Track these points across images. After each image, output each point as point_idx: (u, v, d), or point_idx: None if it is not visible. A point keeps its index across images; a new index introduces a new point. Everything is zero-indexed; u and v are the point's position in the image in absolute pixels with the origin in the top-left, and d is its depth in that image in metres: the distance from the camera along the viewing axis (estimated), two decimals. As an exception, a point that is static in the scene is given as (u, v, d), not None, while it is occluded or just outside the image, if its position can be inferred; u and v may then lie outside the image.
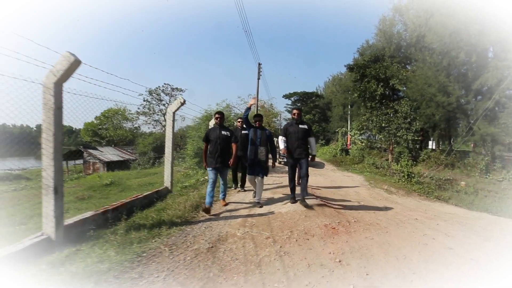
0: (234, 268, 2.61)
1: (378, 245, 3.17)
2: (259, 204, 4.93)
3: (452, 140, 19.36)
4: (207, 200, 4.50)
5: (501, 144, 13.97)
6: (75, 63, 3.02)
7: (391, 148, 21.78)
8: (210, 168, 4.65)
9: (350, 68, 25.45)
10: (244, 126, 5.87)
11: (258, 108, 24.03)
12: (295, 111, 4.94)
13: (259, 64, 19.10)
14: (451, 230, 4.02)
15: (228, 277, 2.44)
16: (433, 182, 13.51)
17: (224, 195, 5.08)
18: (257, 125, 4.97)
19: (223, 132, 4.72)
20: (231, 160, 4.80)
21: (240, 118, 6.25)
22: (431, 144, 27.36)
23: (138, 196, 5.02)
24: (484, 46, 14.37)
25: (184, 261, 2.72)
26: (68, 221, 3.34)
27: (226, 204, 5.01)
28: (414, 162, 20.14)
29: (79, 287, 2.11)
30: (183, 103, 5.99)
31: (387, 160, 21.43)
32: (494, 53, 14.78)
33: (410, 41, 21.84)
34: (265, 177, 5.04)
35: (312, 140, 4.93)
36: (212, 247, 3.08)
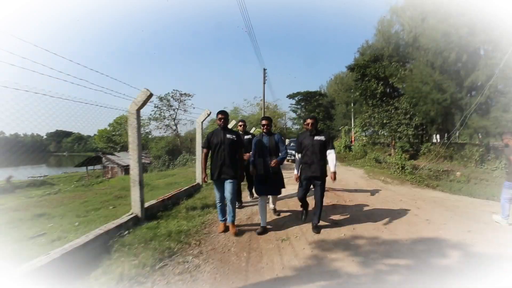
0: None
1: (364, 214, 4.49)
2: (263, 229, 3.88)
3: (447, 134, 20.36)
4: (220, 217, 3.93)
5: (492, 136, 15.04)
6: (149, 96, 4.40)
7: (393, 143, 22.87)
8: (214, 182, 3.80)
9: (351, 68, 26.58)
10: (252, 132, 5.36)
11: (264, 110, 25.30)
12: (308, 120, 3.92)
13: (264, 69, 20.40)
14: (423, 206, 5.32)
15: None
16: (431, 173, 14.66)
17: (233, 217, 3.82)
18: (264, 130, 4.03)
19: (228, 136, 3.74)
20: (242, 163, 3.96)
21: (242, 121, 5.53)
22: (435, 138, 28.33)
23: (180, 190, 6.40)
24: (474, 46, 15.44)
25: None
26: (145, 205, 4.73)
27: (237, 233, 3.77)
28: (416, 156, 21.30)
29: (176, 239, 3.47)
30: (209, 114, 7.36)
31: (389, 155, 22.55)
32: (484, 52, 15.84)
33: (408, 41, 22.91)
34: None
35: (331, 153, 3.86)
36: (248, 217, 4.45)
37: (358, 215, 4.56)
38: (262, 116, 25.41)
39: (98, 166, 32.40)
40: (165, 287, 2.46)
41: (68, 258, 2.84)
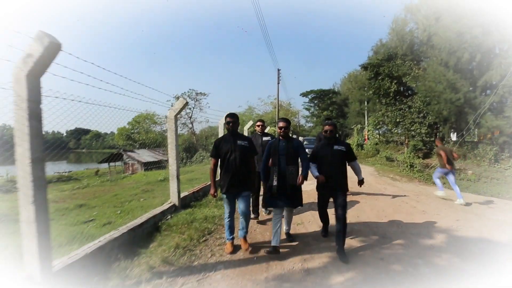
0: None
1: (368, 205, 5.19)
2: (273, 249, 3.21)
3: (457, 133, 20.38)
4: (227, 234, 3.37)
5: (506, 136, 15.13)
6: (185, 104, 5.25)
7: (406, 142, 23.05)
8: (224, 196, 3.32)
9: (365, 67, 26.80)
10: (266, 131, 4.91)
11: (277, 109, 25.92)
12: (327, 127, 3.50)
13: (278, 70, 21.04)
14: (424, 200, 5.93)
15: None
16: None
17: (246, 231, 3.49)
18: (281, 134, 3.37)
19: (239, 142, 3.25)
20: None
21: (260, 120, 4.94)
22: (453, 137, 28.15)
23: (207, 184, 7.27)
24: (488, 46, 15.52)
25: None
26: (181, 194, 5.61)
27: (248, 248, 3.40)
28: (429, 154, 21.42)
29: (211, 222, 4.30)
30: (185, 104, 8.15)
31: (403, 153, 22.76)
32: (499, 52, 15.89)
33: (422, 39, 22.95)
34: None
35: (356, 165, 3.58)
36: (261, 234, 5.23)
37: (363, 206, 5.25)
38: (277, 115, 26.11)
39: (119, 163, 34.14)
40: (209, 253, 3.28)
41: (131, 233, 3.70)
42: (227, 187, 3.27)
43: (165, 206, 5.12)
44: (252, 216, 4.43)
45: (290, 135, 3.71)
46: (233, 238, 3.40)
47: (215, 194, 3.41)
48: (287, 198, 3.29)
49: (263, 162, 3.47)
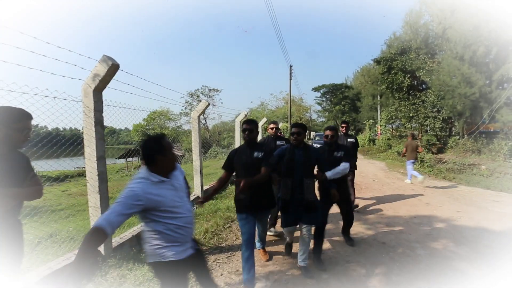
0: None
1: (375, 198, 5.60)
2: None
3: (470, 128, 20.10)
4: (245, 276, 2.62)
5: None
6: (208, 105, 5.78)
7: (420, 137, 22.93)
8: (243, 216, 2.68)
9: (377, 61, 26.61)
10: (281, 133, 4.69)
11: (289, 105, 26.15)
12: (327, 131, 3.32)
13: (291, 66, 21.30)
14: (430, 193, 6.28)
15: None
16: (455, 166, 14.99)
17: (264, 242, 3.27)
18: (294, 141, 2.87)
19: (255, 154, 2.71)
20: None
21: (274, 122, 4.38)
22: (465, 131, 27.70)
23: (224, 178, 7.85)
24: (505, 39, 15.28)
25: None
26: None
27: (268, 258, 3.21)
28: (443, 149, 21.29)
29: (234, 211, 4.84)
30: (207, 106, 8.66)
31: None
32: (516, 44, 15.60)
33: (437, 32, 22.59)
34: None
35: (343, 164, 3.19)
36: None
37: (371, 198, 5.66)
38: (289, 111, 26.39)
39: (135, 158, 35.39)
40: (234, 237, 3.82)
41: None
42: (247, 208, 2.63)
43: (192, 197, 5.71)
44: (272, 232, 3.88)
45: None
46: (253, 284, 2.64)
47: (201, 202, 2.73)
48: (305, 214, 2.77)
49: (283, 176, 2.89)
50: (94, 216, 2.85)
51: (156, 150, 1.60)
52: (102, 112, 2.84)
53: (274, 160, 2.84)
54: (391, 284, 2.61)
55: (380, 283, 2.64)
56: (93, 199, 2.84)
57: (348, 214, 3.46)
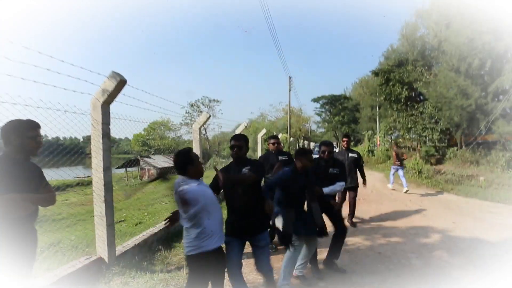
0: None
1: (373, 209, 5.71)
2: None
3: (467, 139, 20.30)
4: None
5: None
6: (208, 117, 5.94)
7: (418, 148, 23.09)
8: (227, 239, 2.25)
9: (375, 73, 27.07)
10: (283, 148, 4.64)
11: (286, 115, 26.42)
12: (323, 147, 3.22)
13: (290, 78, 21.67)
14: (427, 205, 6.37)
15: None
16: (454, 177, 15.08)
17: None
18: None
19: (243, 171, 2.36)
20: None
21: (273, 137, 4.14)
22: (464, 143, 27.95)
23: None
24: (499, 51, 15.66)
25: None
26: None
27: None
28: (441, 160, 21.42)
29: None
30: (208, 118, 8.81)
31: (416, 159, 22.82)
32: (510, 57, 15.98)
33: (433, 44, 23.10)
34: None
35: (339, 184, 3.19)
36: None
37: (368, 209, 5.75)
38: (288, 122, 26.68)
39: (135, 168, 35.48)
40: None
41: (166, 230, 4.36)
42: (234, 230, 2.30)
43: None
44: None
45: (301, 142, 3.80)
46: None
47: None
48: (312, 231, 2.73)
49: (276, 203, 2.63)
50: (99, 224, 2.95)
51: (186, 161, 2.00)
52: (109, 124, 2.98)
53: (272, 187, 2.62)
54: (386, 292, 2.70)
55: (376, 291, 2.73)
56: (99, 208, 2.95)
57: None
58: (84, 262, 2.82)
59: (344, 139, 4.95)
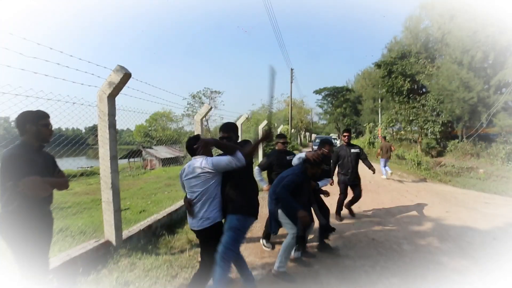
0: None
1: (370, 198, 5.87)
2: None
3: (468, 132, 20.30)
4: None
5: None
6: (210, 109, 6.07)
7: (419, 140, 23.13)
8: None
9: (378, 65, 26.88)
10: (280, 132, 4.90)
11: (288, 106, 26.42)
12: (328, 146, 3.42)
13: (292, 69, 21.61)
14: (423, 195, 6.53)
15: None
16: (453, 169, 15.21)
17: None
18: (309, 172, 2.91)
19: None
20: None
21: (281, 136, 3.97)
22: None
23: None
24: (502, 44, 15.53)
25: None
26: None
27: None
28: (442, 152, 21.50)
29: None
30: (210, 109, 8.93)
31: (416, 152, 22.91)
32: (514, 50, 15.84)
33: (437, 37, 22.85)
34: None
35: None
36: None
37: (365, 199, 5.87)
38: (290, 113, 26.69)
39: (138, 159, 35.80)
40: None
41: (169, 217, 4.57)
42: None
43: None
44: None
45: (302, 133, 4.23)
46: None
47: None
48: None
49: (288, 198, 2.69)
50: (107, 210, 3.13)
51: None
52: (115, 116, 3.13)
53: (290, 188, 2.75)
54: (375, 274, 2.88)
55: (366, 273, 2.91)
56: (106, 194, 3.13)
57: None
58: (93, 245, 3.02)
59: (345, 134, 4.78)
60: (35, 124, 1.80)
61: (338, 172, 4.71)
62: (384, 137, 10.20)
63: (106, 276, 2.67)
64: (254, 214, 2.37)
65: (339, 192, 4.72)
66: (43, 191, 1.68)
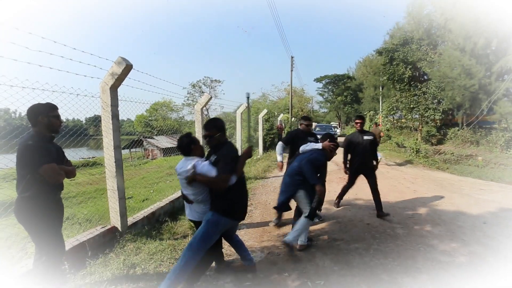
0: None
1: (366, 185, 5.96)
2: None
3: (468, 119, 20.27)
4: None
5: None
6: (210, 98, 6.13)
7: (420, 128, 23.15)
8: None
9: (379, 52, 26.57)
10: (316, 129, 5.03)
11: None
12: (334, 142, 3.23)
13: (292, 57, 21.41)
14: (419, 182, 6.66)
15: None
16: (453, 157, 15.33)
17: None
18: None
19: (211, 158, 2.36)
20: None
21: (308, 119, 4.10)
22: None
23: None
24: (505, 31, 15.33)
25: (270, 188, 5.83)
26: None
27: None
28: (442, 140, 21.57)
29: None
30: (210, 99, 8.98)
31: (416, 139, 22.97)
32: (516, 36, 15.65)
33: (440, 23, 22.47)
34: None
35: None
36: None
37: (362, 186, 6.01)
38: (290, 102, 26.65)
39: (139, 149, 36.04)
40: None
41: (172, 204, 4.71)
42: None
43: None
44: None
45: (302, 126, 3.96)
46: None
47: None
48: None
49: (311, 171, 2.98)
50: (112, 197, 3.27)
51: (190, 141, 2.40)
52: (118, 106, 3.22)
53: (315, 165, 3.06)
54: (368, 256, 3.03)
55: (360, 255, 3.06)
56: (111, 182, 3.26)
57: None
58: (100, 230, 3.17)
59: (358, 120, 4.51)
60: (47, 115, 1.90)
61: (349, 160, 4.52)
62: (376, 124, 10.78)
63: (114, 259, 2.83)
64: (232, 216, 2.38)
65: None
66: (60, 177, 1.81)
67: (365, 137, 4.40)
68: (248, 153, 2.51)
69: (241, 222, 3.98)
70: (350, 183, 4.63)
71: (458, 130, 21.77)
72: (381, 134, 10.41)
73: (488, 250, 3.14)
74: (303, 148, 3.31)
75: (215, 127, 2.39)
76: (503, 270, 2.75)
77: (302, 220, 3.07)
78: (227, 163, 2.25)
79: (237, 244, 2.74)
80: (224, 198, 2.32)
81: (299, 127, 4.15)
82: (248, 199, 2.80)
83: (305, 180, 3.02)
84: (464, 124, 19.99)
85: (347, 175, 4.64)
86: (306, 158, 3.08)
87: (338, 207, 4.76)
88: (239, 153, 2.47)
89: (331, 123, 43.48)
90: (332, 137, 3.50)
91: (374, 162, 4.56)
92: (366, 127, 21.27)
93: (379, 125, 18.02)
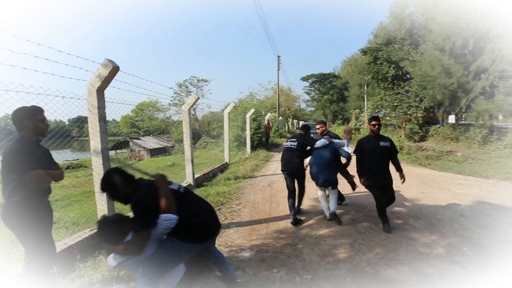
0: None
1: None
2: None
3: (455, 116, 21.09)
4: None
5: (496, 119, 15.93)
6: (197, 99, 6.14)
7: (403, 126, 23.85)
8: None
9: (364, 51, 27.16)
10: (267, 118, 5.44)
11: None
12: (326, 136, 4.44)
13: (279, 57, 21.57)
14: (402, 178, 6.89)
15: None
16: (434, 153, 15.90)
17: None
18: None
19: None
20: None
21: (323, 123, 4.58)
22: (452, 119, 28.91)
23: (215, 167, 8.27)
24: (482, 31, 16.01)
25: (258, 186, 5.90)
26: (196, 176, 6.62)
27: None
28: (425, 137, 22.32)
29: (222, 196, 5.30)
30: (197, 99, 9.01)
31: (400, 137, 23.63)
32: (492, 36, 16.39)
33: (421, 23, 23.19)
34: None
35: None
36: (269, 184, 6.25)
37: (346, 183, 6.23)
38: (277, 101, 26.80)
39: (125, 150, 35.35)
40: (223, 218, 4.30)
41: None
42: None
43: (184, 184, 6.13)
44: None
45: (290, 120, 4.78)
46: None
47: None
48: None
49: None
50: (100, 199, 3.25)
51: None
52: (105, 108, 3.20)
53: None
54: (354, 251, 3.16)
55: (345, 249, 3.19)
56: (99, 185, 3.23)
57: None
58: (88, 233, 3.16)
59: (374, 122, 3.70)
60: (33, 119, 1.89)
61: (363, 171, 3.83)
62: (347, 121, 11.92)
63: (103, 262, 2.83)
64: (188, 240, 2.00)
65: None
66: (46, 182, 1.80)
67: (382, 143, 3.72)
68: (163, 181, 2.07)
69: (229, 222, 4.06)
70: (380, 200, 3.74)
71: (439, 127, 22.58)
72: (353, 131, 11.52)
73: (465, 241, 3.33)
74: (318, 144, 4.17)
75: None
76: (478, 259, 2.94)
77: (334, 191, 4.19)
78: (136, 219, 1.91)
79: (218, 260, 2.44)
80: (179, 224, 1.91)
81: (318, 131, 4.68)
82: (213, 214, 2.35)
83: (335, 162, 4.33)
84: (445, 121, 20.74)
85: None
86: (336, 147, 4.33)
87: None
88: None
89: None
90: (309, 128, 4.52)
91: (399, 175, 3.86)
92: (351, 125, 21.60)
93: (349, 123, 19.17)
